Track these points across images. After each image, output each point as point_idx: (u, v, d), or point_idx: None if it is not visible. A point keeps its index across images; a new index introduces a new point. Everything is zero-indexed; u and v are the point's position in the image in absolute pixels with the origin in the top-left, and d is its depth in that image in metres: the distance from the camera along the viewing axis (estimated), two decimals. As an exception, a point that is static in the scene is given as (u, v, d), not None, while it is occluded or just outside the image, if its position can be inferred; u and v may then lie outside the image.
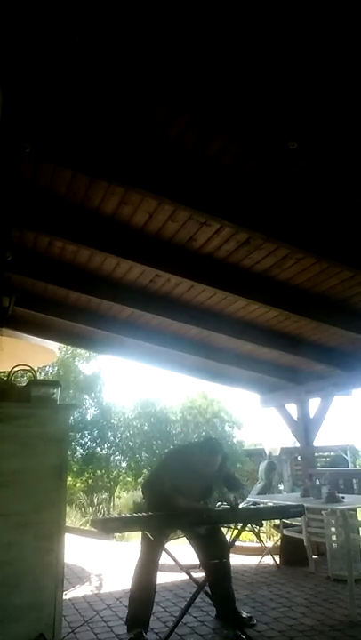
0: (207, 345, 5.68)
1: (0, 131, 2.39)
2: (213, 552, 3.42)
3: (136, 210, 3.17)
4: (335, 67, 2.06)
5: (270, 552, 5.35)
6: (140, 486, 13.97)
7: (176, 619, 3.17)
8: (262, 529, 5.89)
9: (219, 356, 5.84)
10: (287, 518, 5.14)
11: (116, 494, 14.71)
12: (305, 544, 4.99)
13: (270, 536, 6.11)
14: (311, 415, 6.59)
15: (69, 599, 4.05)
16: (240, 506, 3.45)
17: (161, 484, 3.24)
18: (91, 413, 16.22)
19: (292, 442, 10.03)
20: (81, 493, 14.00)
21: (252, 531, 5.53)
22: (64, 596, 2.65)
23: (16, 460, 2.34)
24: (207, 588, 3.31)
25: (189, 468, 3.23)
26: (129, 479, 15.26)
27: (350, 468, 12.82)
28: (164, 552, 3.15)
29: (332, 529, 4.79)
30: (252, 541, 6.11)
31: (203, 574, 3.35)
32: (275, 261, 3.60)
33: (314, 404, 6.60)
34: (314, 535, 4.97)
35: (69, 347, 14.55)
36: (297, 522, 5.25)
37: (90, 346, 7.05)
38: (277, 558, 5.31)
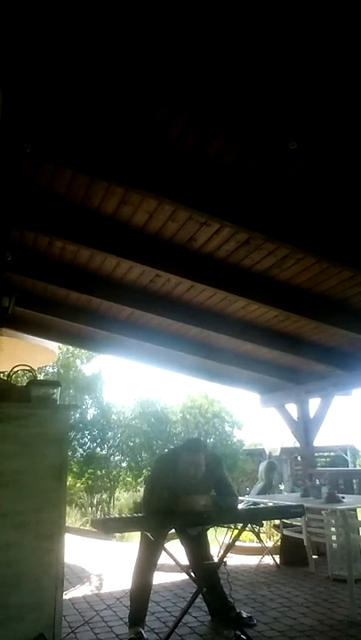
0: (207, 345, 5.68)
1: (0, 131, 2.39)
2: (205, 552, 3.49)
3: (136, 210, 3.17)
4: (335, 67, 2.05)
5: (270, 552, 5.35)
6: (139, 486, 14.01)
7: (176, 619, 3.17)
8: (262, 529, 5.89)
9: (219, 356, 5.84)
10: (287, 518, 5.15)
11: (116, 494, 14.71)
12: (305, 544, 4.99)
13: (270, 536, 6.11)
14: (311, 415, 6.58)
15: (69, 599, 4.05)
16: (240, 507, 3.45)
17: (156, 493, 3.25)
18: (91, 413, 16.25)
19: (292, 442, 10.04)
20: (81, 493, 14.01)
21: (252, 531, 5.53)
22: (64, 596, 2.65)
23: (16, 460, 2.33)
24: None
25: (177, 471, 3.22)
26: (129, 479, 15.27)
27: (350, 468, 12.83)
28: (163, 552, 3.16)
29: (333, 529, 4.80)
30: (252, 541, 6.11)
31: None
32: (275, 261, 3.60)
33: (314, 403, 6.61)
34: (314, 535, 4.97)
35: (69, 347, 14.56)
36: (297, 522, 5.25)
37: (90, 346, 7.05)
38: (277, 558, 5.31)
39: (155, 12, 1.89)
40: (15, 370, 2.88)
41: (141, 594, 3.29)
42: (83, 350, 15.28)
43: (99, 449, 15.61)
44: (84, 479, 14.72)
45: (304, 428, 6.58)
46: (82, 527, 9.50)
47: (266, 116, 2.35)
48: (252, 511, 3.93)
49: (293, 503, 3.98)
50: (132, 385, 30.54)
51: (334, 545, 4.73)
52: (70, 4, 1.90)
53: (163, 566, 3.78)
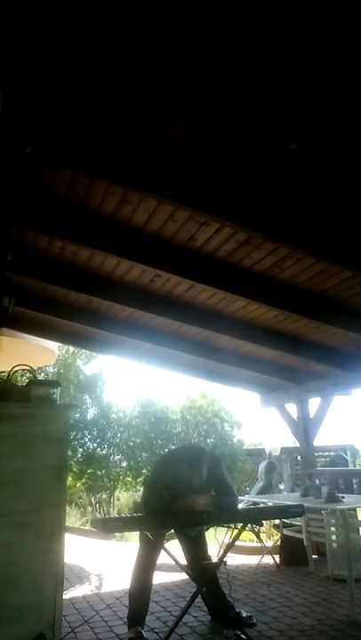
0: (207, 345, 5.68)
1: (0, 131, 2.39)
2: (203, 553, 3.50)
3: (136, 210, 3.17)
4: (335, 67, 2.06)
5: (270, 552, 5.35)
6: (139, 486, 14.01)
7: (176, 619, 3.17)
8: (262, 529, 5.89)
9: (219, 355, 5.84)
10: (287, 518, 5.15)
11: (116, 494, 14.71)
12: (305, 544, 4.99)
13: (270, 536, 6.11)
14: (311, 415, 6.59)
15: (69, 599, 4.05)
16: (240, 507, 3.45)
17: (157, 492, 3.26)
18: (91, 413, 16.23)
19: (292, 442, 10.05)
20: (81, 493, 14.02)
21: (252, 531, 5.53)
22: (64, 596, 2.65)
23: (16, 459, 2.33)
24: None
25: (177, 471, 3.22)
26: (129, 479, 15.26)
27: (350, 468, 12.83)
28: (163, 552, 3.16)
29: (332, 529, 4.80)
30: (252, 541, 6.11)
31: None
32: (275, 261, 3.60)
33: (314, 403, 6.61)
34: (314, 535, 4.97)
35: (69, 347, 14.56)
36: (297, 522, 5.25)
37: (90, 346, 7.06)
38: (277, 558, 5.32)
39: (155, 10, 1.89)
40: (15, 370, 2.88)
41: (141, 593, 3.29)
42: (83, 350, 15.28)
43: (99, 449, 15.60)
44: (84, 479, 14.71)
45: (304, 428, 6.58)
46: (82, 527, 9.50)
47: (266, 116, 2.35)
48: (252, 511, 3.93)
49: (293, 503, 3.98)
50: (132, 385, 30.59)
51: (334, 545, 4.73)
52: (70, 4, 1.90)
53: (163, 566, 3.79)
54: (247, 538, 6.21)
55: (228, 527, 4.50)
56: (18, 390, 2.59)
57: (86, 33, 2.02)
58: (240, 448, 16.70)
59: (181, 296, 4.47)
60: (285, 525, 5.46)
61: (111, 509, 13.41)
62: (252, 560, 5.44)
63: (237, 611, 3.51)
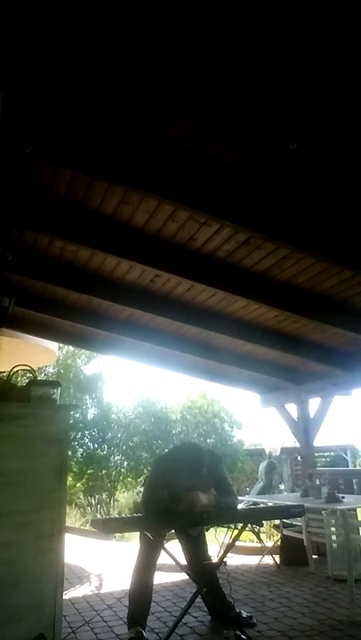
0: (207, 345, 5.68)
1: (0, 131, 2.39)
2: (203, 553, 3.50)
3: (136, 210, 3.17)
4: (335, 67, 2.06)
5: (270, 552, 5.35)
6: (139, 486, 14.00)
7: (176, 619, 3.17)
8: (262, 529, 5.89)
9: (219, 355, 5.84)
10: (287, 518, 5.14)
11: (116, 495, 14.71)
12: (305, 544, 4.99)
13: (270, 536, 6.11)
14: (311, 415, 6.59)
15: (69, 599, 4.05)
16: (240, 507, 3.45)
17: (156, 491, 3.25)
18: (91, 413, 16.24)
19: (292, 442, 10.05)
20: (81, 494, 14.02)
21: (252, 531, 5.53)
22: (64, 596, 2.65)
23: (16, 460, 2.33)
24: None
25: (177, 471, 3.22)
26: (129, 479, 15.26)
27: (350, 468, 12.82)
28: (163, 552, 3.16)
29: (333, 529, 4.79)
30: (252, 541, 6.11)
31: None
32: (275, 261, 3.60)
33: (314, 403, 6.61)
34: (314, 535, 4.97)
35: (70, 347, 14.56)
36: (297, 522, 5.25)
37: (90, 346, 7.06)
38: (277, 558, 5.31)
39: (155, 10, 1.88)
40: (15, 370, 2.87)
41: (141, 594, 3.29)
42: (83, 350, 15.28)
43: (99, 449, 15.60)
44: (84, 479, 14.71)
45: (304, 428, 6.58)
46: (82, 527, 9.50)
47: (266, 116, 2.35)
48: (252, 511, 3.93)
49: (293, 503, 3.97)
50: (132, 385, 30.61)
51: (334, 545, 4.73)
52: (70, 5, 1.90)
53: (163, 566, 3.79)
54: (247, 538, 6.21)
55: (229, 527, 4.50)
56: (18, 390, 2.59)
57: (86, 33, 2.02)
58: (240, 448, 16.70)
59: (181, 296, 4.47)
60: (285, 526, 5.46)
61: (111, 510, 13.41)
62: (253, 560, 5.44)
63: (238, 611, 3.51)
